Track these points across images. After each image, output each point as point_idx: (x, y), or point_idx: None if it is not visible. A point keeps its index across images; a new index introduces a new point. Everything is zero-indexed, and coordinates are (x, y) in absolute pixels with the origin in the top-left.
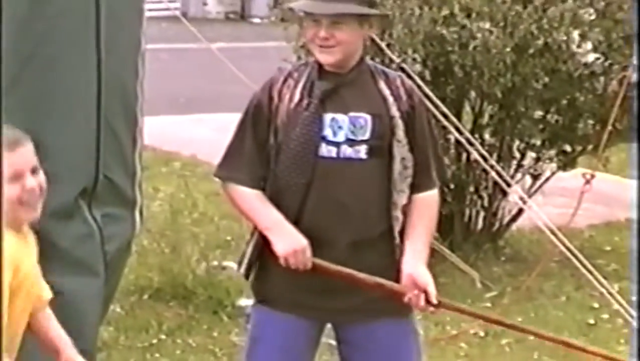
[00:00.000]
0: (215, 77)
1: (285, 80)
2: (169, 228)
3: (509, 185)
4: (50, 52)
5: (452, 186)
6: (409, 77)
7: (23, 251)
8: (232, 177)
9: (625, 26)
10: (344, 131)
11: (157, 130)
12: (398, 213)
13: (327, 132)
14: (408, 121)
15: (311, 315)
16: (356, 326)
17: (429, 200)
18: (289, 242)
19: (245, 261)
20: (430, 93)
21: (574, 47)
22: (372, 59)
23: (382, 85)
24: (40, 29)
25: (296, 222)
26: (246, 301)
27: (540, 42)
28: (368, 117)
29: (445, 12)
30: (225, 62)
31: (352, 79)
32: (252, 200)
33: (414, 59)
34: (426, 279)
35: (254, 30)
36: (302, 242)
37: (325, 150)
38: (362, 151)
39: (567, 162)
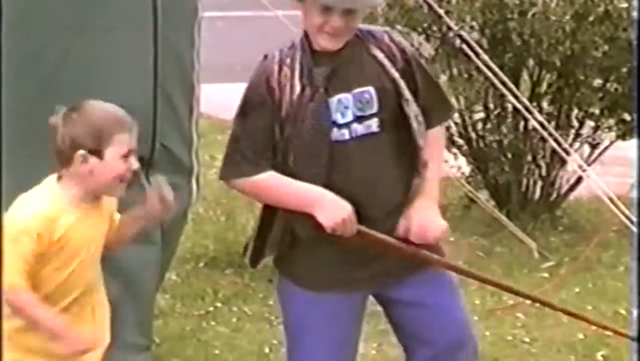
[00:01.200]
0: (272, 44)
1: (280, 69)
2: (225, 197)
3: (567, 153)
4: (104, 22)
5: (509, 155)
6: (468, 45)
7: (87, 221)
8: (238, 172)
9: None
10: (350, 110)
11: (214, 98)
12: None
13: (337, 116)
14: (408, 76)
15: (351, 289)
16: (401, 284)
17: (436, 134)
18: (334, 210)
19: (251, 247)
20: (489, 61)
21: (634, 14)
22: (430, 27)
23: (374, 49)
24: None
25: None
26: None
27: (601, 9)
28: (372, 90)
29: None
30: (290, 27)
31: (347, 55)
32: (274, 183)
33: (472, 27)
34: (437, 234)
35: None
36: (347, 207)
37: (339, 134)
38: (373, 125)
39: (626, 131)
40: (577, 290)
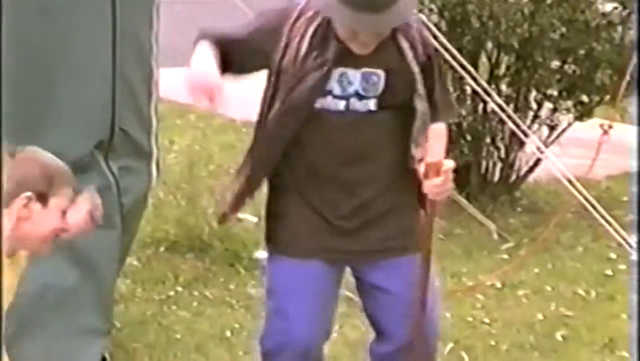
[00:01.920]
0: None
1: (297, 19)
2: (185, 181)
3: (526, 135)
4: (62, 5)
5: (468, 137)
6: (426, 27)
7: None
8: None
9: None
10: (354, 87)
11: (173, 82)
12: (415, 166)
13: (334, 86)
14: (426, 72)
15: (332, 258)
16: (374, 266)
17: (440, 129)
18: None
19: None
20: (447, 44)
21: (633, 16)
22: None
23: (401, 37)
24: None
25: (292, 160)
26: (262, 254)
27: None
28: (382, 73)
29: None
30: (245, 9)
31: None
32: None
33: (431, 10)
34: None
35: None
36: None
37: (333, 103)
38: (370, 104)
39: (584, 113)
40: (536, 270)
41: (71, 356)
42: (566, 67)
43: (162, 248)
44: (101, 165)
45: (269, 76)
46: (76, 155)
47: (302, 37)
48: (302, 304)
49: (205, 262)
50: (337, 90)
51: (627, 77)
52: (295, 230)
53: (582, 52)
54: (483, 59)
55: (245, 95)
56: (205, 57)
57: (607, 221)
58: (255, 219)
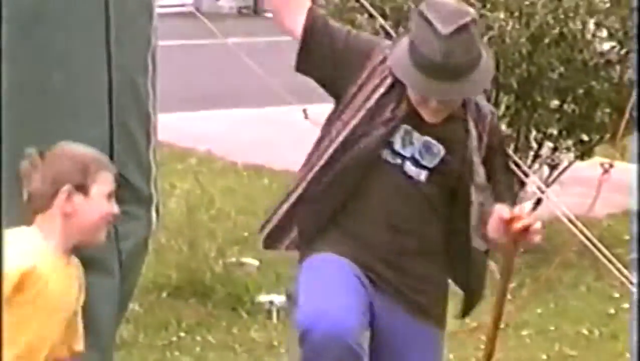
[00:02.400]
0: (229, 72)
1: (381, 62)
2: (186, 225)
3: (526, 175)
4: (59, 50)
5: None
6: None
7: (59, 272)
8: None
9: None
10: (414, 148)
11: (172, 126)
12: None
13: (396, 141)
14: (487, 162)
15: (370, 278)
16: (395, 316)
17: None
18: None
19: (271, 226)
20: None
21: (589, 36)
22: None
23: (471, 123)
24: (46, 29)
25: (344, 202)
26: (265, 297)
27: (556, 31)
28: (442, 151)
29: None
30: (241, 55)
31: None
32: None
33: None
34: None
35: (267, 25)
36: None
37: (391, 157)
38: (422, 175)
39: (584, 151)
40: (539, 310)
41: None
42: (565, 106)
43: (164, 294)
44: None
45: (336, 110)
46: None
47: (380, 84)
48: (334, 286)
49: (208, 307)
50: (397, 145)
51: (627, 116)
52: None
53: (581, 91)
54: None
55: (247, 139)
56: None
57: (608, 260)
58: (256, 263)
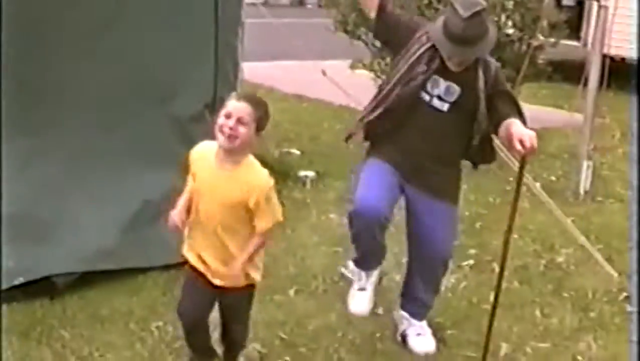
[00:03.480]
0: (283, 40)
1: (420, 37)
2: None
3: None
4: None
5: None
6: None
7: (218, 174)
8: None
9: (533, 11)
10: (439, 90)
11: (250, 70)
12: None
13: (428, 86)
14: (495, 96)
15: (401, 170)
16: (424, 197)
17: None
18: None
19: (350, 132)
20: None
21: (501, 24)
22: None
23: (480, 72)
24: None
25: (396, 124)
26: (303, 173)
27: None
28: (458, 90)
29: (425, 1)
30: (287, 32)
31: None
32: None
33: None
34: (524, 133)
35: (308, 12)
36: None
37: (423, 94)
38: (445, 107)
39: None
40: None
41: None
42: None
43: None
44: (207, 118)
45: (393, 65)
46: (193, 111)
47: (419, 49)
48: (375, 182)
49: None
50: (429, 87)
51: (521, 74)
52: (384, 151)
53: (495, 57)
54: None
55: (293, 79)
56: None
57: (508, 157)
58: (298, 152)
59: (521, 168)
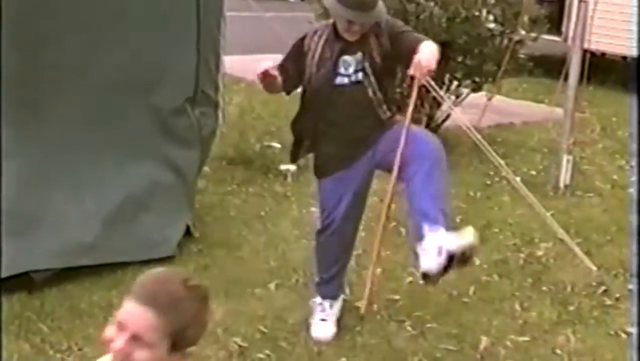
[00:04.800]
0: (264, 33)
1: (312, 36)
2: (238, 122)
3: (443, 100)
4: (168, 18)
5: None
6: None
7: None
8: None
9: (514, 6)
10: (352, 66)
11: (232, 63)
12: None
13: (341, 69)
14: (394, 40)
15: (350, 165)
16: (376, 150)
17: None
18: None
19: (290, 150)
20: None
21: (483, 19)
22: None
23: (372, 35)
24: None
25: (321, 117)
26: (284, 166)
27: (463, 15)
28: (360, 55)
29: None
30: (274, 25)
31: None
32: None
33: None
34: (420, 56)
35: (291, 5)
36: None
37: (340, 79)
38: (360, 75)
39: (476, 88)
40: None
41: (170, 224)
42: (467, 61)
43: (224, 162)
44: (189, 111)
45: (307, 69)
46: (175, 104)
47: (317, 45)
48: (339, 200)
49: (250, 170)
50: (342, 71)
51: (502, 68)
52: (319, 158)
53: (476, 51)
54: None
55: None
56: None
57: (488, 151)
58: (279, 146)
59: (411, 88)
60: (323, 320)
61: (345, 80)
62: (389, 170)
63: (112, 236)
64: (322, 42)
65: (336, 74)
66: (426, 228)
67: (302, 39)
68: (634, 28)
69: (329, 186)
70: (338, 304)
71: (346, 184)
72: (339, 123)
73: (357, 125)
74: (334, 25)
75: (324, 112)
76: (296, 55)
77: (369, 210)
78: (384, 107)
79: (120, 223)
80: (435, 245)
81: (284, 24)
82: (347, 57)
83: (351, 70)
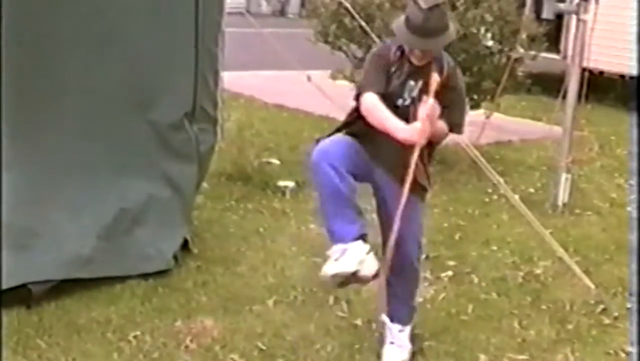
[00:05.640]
0: (264, 49)
1: (394, 53)
2: (237, 138)
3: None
4: (167, 33)
5: None
6: None
7: None
8: (364, 89)
9: (512, 24)
10: (414, 92)
11: (230, 79)
12: None
13: (405, 93)
14: (445, 91)
15: (369, 159)
16: (392, 184)
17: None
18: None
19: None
20: None
21: (480, 37)
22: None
23: (435, 69)
24: (165, 17)
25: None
26: (282, 183)
27: (462, 32)
28: (421, 82)
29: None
30: (271, 41)
31: (423, 64)
32: (374, 101)
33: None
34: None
35: (288, 22)
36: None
37: (401, 101)
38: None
39: (475, 105)
40: (444, 197)
41: (165, 238)
42: (465, 78)
43: (222, 178)
44: (187, 126)
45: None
46: (172, 120)
47: (394, 61)
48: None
49: (248, 187)
50: (405, 94)
51: (501, 86)
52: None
53: (475, 69)
54: None
55: (273, 89)
56: (385, 112)
57: (487, 169)
58: (278, 162)
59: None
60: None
61: (407, 102)
62: (374, 191)
63: (108, 250)
64: (396, 59)
65: (399, 96)
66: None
67: (385, 53)
68: (633, 47)
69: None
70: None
71: (360, 156)
72: (383, 143)
73: (393, 148)
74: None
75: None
76: (384, 67)
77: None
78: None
79: (116, 237)
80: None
81: (283, 41)
82: (412, 82)
83: (414, 94)
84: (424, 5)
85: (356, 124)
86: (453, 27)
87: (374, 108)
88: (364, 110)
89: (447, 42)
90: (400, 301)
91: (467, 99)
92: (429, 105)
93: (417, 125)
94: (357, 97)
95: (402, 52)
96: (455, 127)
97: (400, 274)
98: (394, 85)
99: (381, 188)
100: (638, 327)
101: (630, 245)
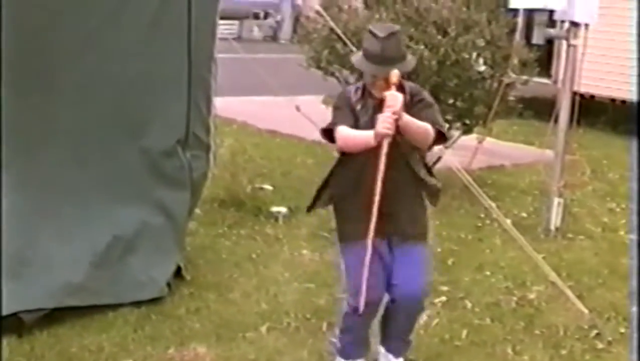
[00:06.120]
0: (256, 74)
1: (355, 93)
2: (230, 164)
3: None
4: (159, 60)
5: None
6: None
7: None
8: (335, 124)
9: (504, 50)
10: None
11: (223, 105)
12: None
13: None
14: (418, 107)
15: (376, 236)
16: (398, 244)
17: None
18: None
19: (319, 202)
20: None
21: (473, 62)
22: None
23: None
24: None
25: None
26: (275, 208)
27: (453, 58)
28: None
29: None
30: (259, 68)
31: None
32: (347, 130)
33: None
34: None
35: (281, 47)
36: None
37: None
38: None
39: (467, 130)
40: (437, 222)
41: (157, 265)
42: (458, 103)
43: (215, 204)
44: (179, 153)
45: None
46: (165, 146)
47: (358, 101)
48: (359, 268)
49: (241, 213)
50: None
51: (492, 111)
52: (344, 222)
53: (467, 94)
54: None
55: (266, 115)
56: (357, 132)
57: (479, 193)
58: (271, 188)
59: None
60: None
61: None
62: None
63: (100, 277)
64: (359, 98)
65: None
66: (382, 350)
67: (346, 96)
68: (625, 72)
69: (356, 252)
70: None
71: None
72: (370, 185)
73: (391, 201)
74: (365, 84)
75: (364, 164)
76: (349, 107)
77: None
78: (420, 164)
79: (109, 265)
80: None
81: (275, 66)
82: (379, 115)
83: None
84: (380, 34)
85: (344, 175)
86: (411, 57)
87: (347, 135)
88: (340, 142)
89: (406, 70)
90: (400, 336)
91: (459, 124)
92: (389, 96)
93: (380, 117)
94: (324, 133)
95: (364, 90)
96: (438, 125)
97: (405, 313)
98: (364, 122)
99: (394, 248)
100: (638, 350)
101: (624, 269)
